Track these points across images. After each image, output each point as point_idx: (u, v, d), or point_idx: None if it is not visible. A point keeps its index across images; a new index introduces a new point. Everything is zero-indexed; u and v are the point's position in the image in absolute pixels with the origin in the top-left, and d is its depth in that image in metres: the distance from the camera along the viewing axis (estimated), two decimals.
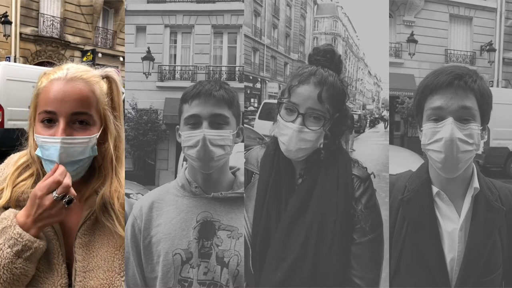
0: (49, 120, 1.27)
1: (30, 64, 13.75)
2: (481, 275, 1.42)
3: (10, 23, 13.66)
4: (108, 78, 1.39)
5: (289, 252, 1.42)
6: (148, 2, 5.51)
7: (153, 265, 1.53)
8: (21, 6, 14.79)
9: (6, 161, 1.42)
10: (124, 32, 16.01)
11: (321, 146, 1.46)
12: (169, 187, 1.62)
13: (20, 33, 14.82)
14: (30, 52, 15.26)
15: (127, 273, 1.48)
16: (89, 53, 15.61)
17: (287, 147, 1.46)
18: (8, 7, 14.17)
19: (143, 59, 5.25)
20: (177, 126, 1.57)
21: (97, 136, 1.32)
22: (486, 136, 1.47)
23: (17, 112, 8.48)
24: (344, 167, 1.48)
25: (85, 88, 1.30)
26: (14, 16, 14.34)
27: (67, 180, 1.22)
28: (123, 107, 1.45)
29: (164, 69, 5.49)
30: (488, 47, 9.28)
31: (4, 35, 13.73)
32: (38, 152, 1.29)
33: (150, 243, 1.53)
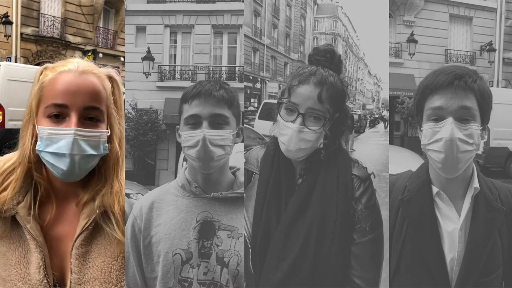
0: (57, 115, 1.21)
1: (31, 64, 13.74)
2: (481, 275, 1.42)
3: (11, 23, 13.66)
4: (110, 78, 1.35)
5: (289, 252, 1.42)
6: (148, 2, 5.52)
7: (153, 265, 1.53)
8: (22, 7, 14.79)
9: None
10: (124, 32, 16.00)
11: (321, 146, 1.46)
12: (169, 187, 1.62)
13: (21, 33, 14.82)
14: (31, 52, 15.26)
15: (127, 273, 1.48)
16: (90, 53, 15.60)
17: (287, 147, 1.45)
18: (9, 7, 14.18)
19: (143, 59, 5.26)
20: (177, 126, 1.57)
21: (108, 133, 1.27)
22: (486, 136, 1.47)
23: (18, 113, 8.44)
24: (344, 167, 1.48)
25: (97, 82, 1.26)
26: (15, 16, 14.33)
27: None
28: (124, 108, 1.44)
29: (164, 69, 5.49)
30: (488, 47, 9.28)
31: (5, 35, 13.73)
32: (39, 146, 1.22)
33: (150, 243, 1.53)
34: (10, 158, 1.32)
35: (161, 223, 1.54)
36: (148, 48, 5.27)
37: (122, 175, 1.36)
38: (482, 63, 9.29)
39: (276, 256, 1.44)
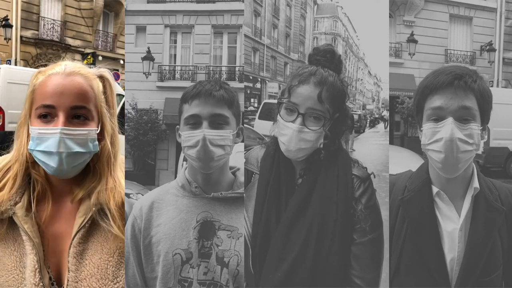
0: (46, 116, 1.27)
1: (30, 67, 13.75)
2: (481, 275, 1.42)
3: (10, 26, 13.70)
4: (102, 77, 1.40)
5: (289, 252, 1.42)
6: (148, 2, 5.51)
7: (153, 265, 1.53)
8: (22, 10, 14.83)
9: None
10: (124, 35, 16.02)
11: (321, 146, 1.46)
12: (169, 187, 1.62)
13: (21, 36, 14.85)
14: (31, 55, 15.29)
15: (127, 273, 1.48)
16: (89, 56, 15.63)
17: (287, 147, 1.46)
18: (9, 10, 14.21)
19: (143, 59, 5.25)
20: (177, 126, 1.57)
21: (97, 131, 1.31)
22: (486, 136, 1.47)
23: (18, 115, 8.40)
24: (344, 167, 1.48)
25: (83, 82, 1.31)
26: (15, 19, 14.37)
27: None
28: (124, 108, 1.46)
29: (164, 69, 5.49)
30: (488, 47, 9.27)
31: (5, 39, 13.76)
32: (31, 145, 1.28)
33: (150, 243, 1.53)
34: (5, 158, 1.36)
35: (161, 223, 1.54)
36: (148, 48, 5.27)
37: (118, 172, 1.38)
38: (482, 63, 9.28)
39: (276, 256, 1.44)
